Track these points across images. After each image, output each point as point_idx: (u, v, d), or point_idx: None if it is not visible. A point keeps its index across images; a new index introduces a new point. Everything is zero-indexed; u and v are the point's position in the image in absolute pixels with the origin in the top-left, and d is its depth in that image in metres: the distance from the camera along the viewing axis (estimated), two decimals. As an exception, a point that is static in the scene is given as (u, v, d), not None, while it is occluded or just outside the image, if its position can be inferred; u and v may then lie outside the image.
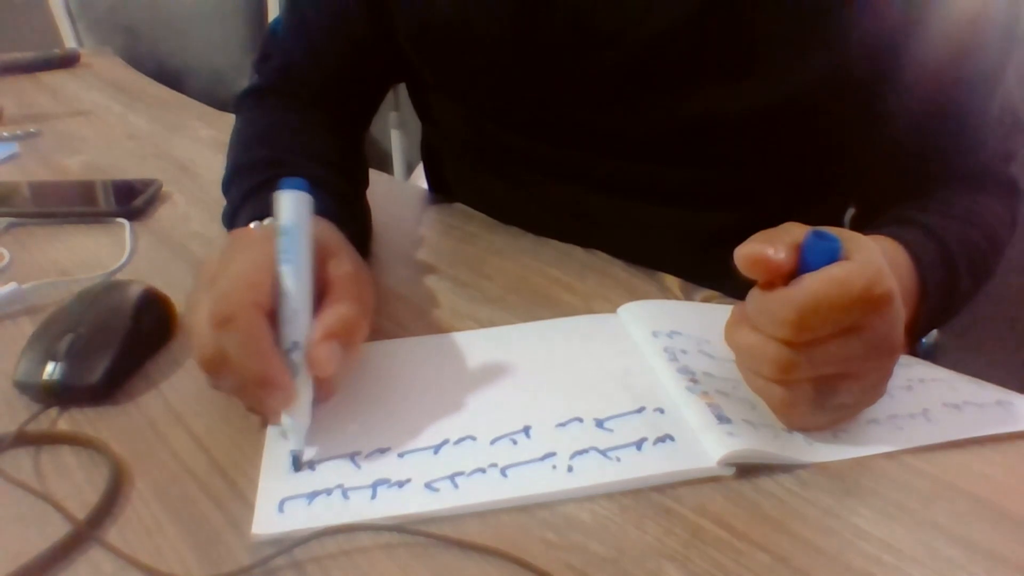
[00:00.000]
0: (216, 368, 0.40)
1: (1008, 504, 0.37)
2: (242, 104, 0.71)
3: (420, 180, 0.85)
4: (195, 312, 0.41)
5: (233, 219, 0.57)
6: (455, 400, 0.44)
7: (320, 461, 0.39)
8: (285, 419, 0.39)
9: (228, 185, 0.61)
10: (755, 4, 0.52)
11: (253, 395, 0.40)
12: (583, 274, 0.59)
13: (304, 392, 0.39)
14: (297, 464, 0.39)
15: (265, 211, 0.47)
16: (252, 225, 0.49)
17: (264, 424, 0.42)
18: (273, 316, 0.40)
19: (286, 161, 0.60)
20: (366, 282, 0.45)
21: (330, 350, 0.39)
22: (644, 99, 0.58)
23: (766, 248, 0.37)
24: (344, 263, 0.44)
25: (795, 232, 0.38)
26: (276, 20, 0.73)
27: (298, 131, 0.66)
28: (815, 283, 0.36)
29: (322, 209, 0.44)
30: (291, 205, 0.41)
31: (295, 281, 0.40)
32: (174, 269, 0.61)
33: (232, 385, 0.41)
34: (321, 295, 0.42)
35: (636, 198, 0.64)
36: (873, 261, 0.37)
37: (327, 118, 0.68)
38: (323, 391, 0.41)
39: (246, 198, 0.57)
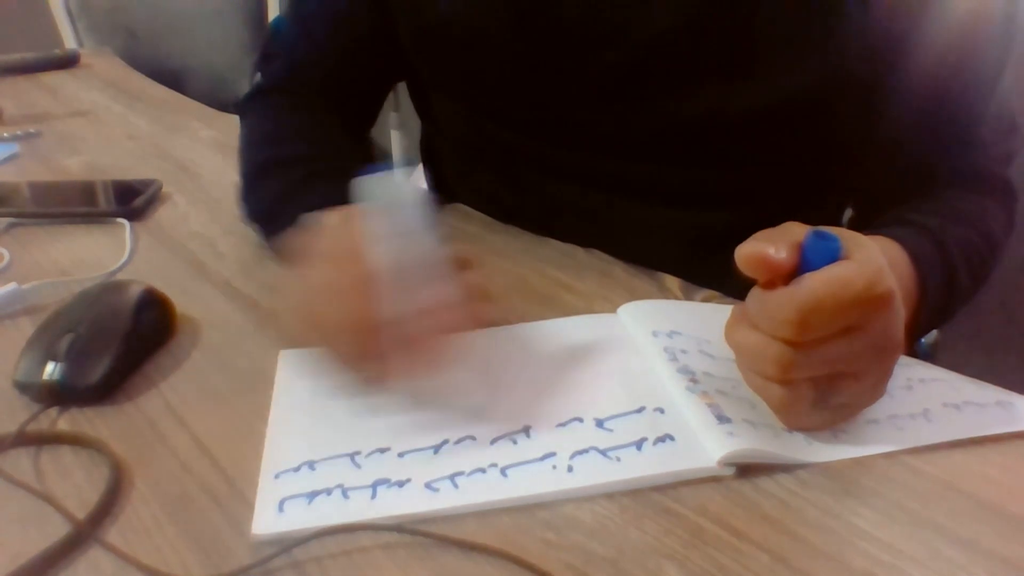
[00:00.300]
0: (372, 339, 0.40)
1: (1008, 504, 0.37)
2: (249, 105, 0.71)
3: (420, 180, 0.85)
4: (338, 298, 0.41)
5: (269, 213, 0.57)
6: (455, 400, 0.44)
7: (320, 461, 0.39)
8: (456, 375, 0.42)
9: (255, 179, 0.61)
10: (755, 5, 0.52)
11: (420, 360, 0.41)
12: (583, 274, 0.59)
13: (458, 352, 0.42)
14: (478, 412, 0.42)
15: (316, 204, 0.48)
16: (311, 216, 0.49)
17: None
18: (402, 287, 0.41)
19: (316, 156, 0.61)
20: (465, 254, 0.46)
21: (472, 310, 0.42)
22: (644, 99, 0.58)
23: (767, 248, 0.37)
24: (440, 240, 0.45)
25: (795, 232, 0.38)
26: (277, 19, 0.73)
27: (318, 129, 0.66)
28: (816, 282, 0.36)
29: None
30: (398, 183, 0.42)
31: (427, 254, 0.41)
32: (174, 269, 0.61)
33: (396, 356, 0.41)
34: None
35: (636, 198, 0.64)
36: (873, 261, 0.37)
37: (335, 116, 0.68)
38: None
39: (288, 193, 0.56)
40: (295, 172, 0.59)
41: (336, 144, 0.65)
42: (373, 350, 0.41)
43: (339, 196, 0.48)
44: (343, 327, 0.41)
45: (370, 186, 0.42)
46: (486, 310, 0.43)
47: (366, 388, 0.44)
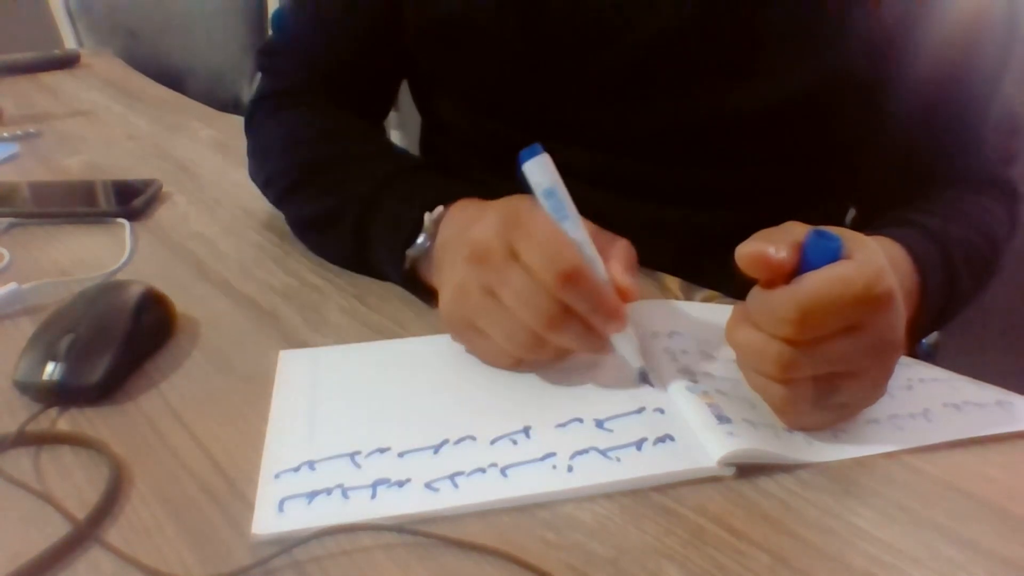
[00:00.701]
0: (560, 325, 0.41)
1: (1008, 504, 0.37)
2: (263, 108, 0.69)
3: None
4: (505, 287, 0.41)
5: (363, 213, 0.55)
6: (455, 400, 0.44)
7: (320, 461, 0.39)
8: (621, 344, 0.44)
9: (306, 182, 0.60)
10: (757, 4, 0.52)
11: (593, 336, 0.43)
12: (583, 274, 0.59)
13: (627, 320, 0.44)
14: (646, 378, 0.44)
15: (436, 200, 0.50)
16: (428, 216, 0.51)
17: (600, 349, 0.44)
18: None
19: (378, 153, 0.61)
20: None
21: (632, 278, 0.44)
22: (646, 98, 0.58)
23: (767, 247, 0.37)
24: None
25: (796, 231, 0.38)
26: (277, 13, 0.72)
27: (359, 125, 0.66)
28: (817, 282, 0.36)
29: (459, 191, 0.47)
30: (547, 168, 0.43)
31: (581, 231, 0.43)
32: (174, 269, 0.61)
33: (570, 336, 0.42)
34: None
35: (638, 197, 0.64)
36: (874, 260, 0.37)
37: (353, 115, 0.67)
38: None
39: (382, 190, 0.55)
40: (376, 168, 0.57)
41: (381, 140, 0.65)
42: (575, 333, 0.42)
43: (450, 189, 0.51)
44: (548, 320, 0.41)
45: (530, 172, 0.43)
46: (635, 277, 0.44)
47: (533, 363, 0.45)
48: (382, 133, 0.70)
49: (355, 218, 0.56)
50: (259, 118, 0.69)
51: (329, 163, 0.61)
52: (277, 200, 0.65)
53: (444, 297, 0.46)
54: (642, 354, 0.45)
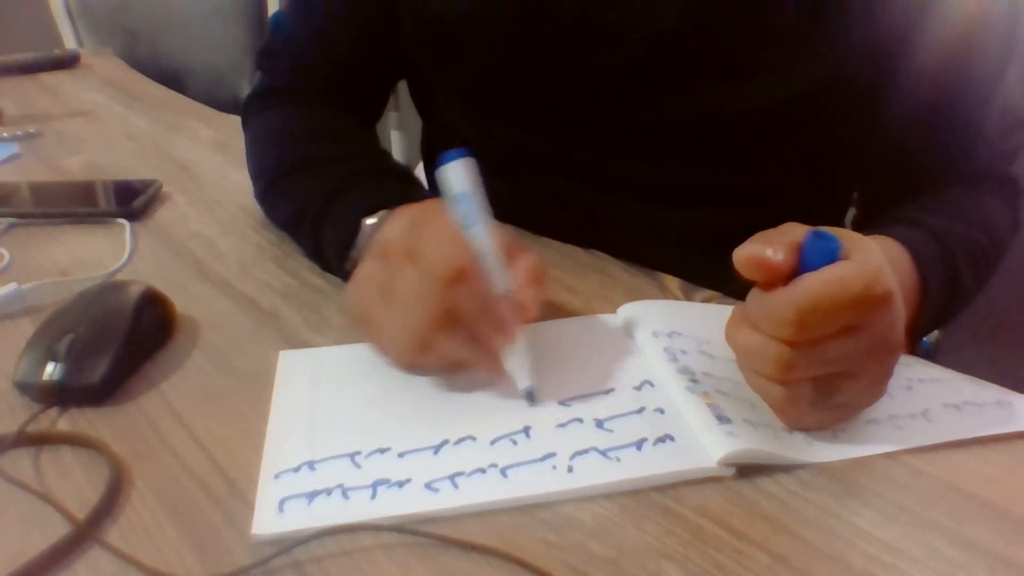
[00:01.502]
0: (444, 328, 0.41)
1: (1008, 504, 0.37)
2: (261, 103, 0.70)
3: (420, 179, 0.85)
4: (399, 286, 0.41)
5: (319, 214, 0.56)
6: (455, 400, 0.44)
7: (320, 461, 0.39)
8: (510, 360, 0.43)
9: (286, 177, 0.61)
10: (757, 4, 0.52)
11: (479, 346, 0.42)
12: (583, 274, 0.59)
13: (521, 335, 0.43)
14: (532, 398, 0.43)
15: (396, 200, 0.50)
16: (369, 220, 0.52)
17: (495, 372, 0.43)
18: None
19: (352, 155, 0.61)
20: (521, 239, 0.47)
21: (535, 293, 0.43)
22: (646, 97, 0.58)
23: (764, 249, 0.37)
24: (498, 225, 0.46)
25: (794, 233, 0.38)
26: (276, 15, 0.73)
27: (342, 127, 0.66)
28: (815, 282, 0.36)
29: (407, 195, 0.46)
30: (464, 172, 0.43)
31: (488, 240, 0.43)
32: (174, 269, 0.61)
33: (455, 344, 0.42)
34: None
35: (638, 197, 0.64)
36: (873, 261, 0.37)
37: (344, 114, 0.68)
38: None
39: (337, 193, 0.56)
40: (341, 170, 0.58)
41: (362, 141, 0.65)
42: (460, 340, 0.42)
43: (399, 193, 0.50)
44: (433, 321, 0.41)
45: (446, 175, 0.43)
46: (540, 294, 0.44)
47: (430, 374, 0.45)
48: (369, 132, 0.70)
49: (311, 220, 0.57)
50: (250, 115, 0.70)
51: (303, 163, 0.61)
52: (259, 197, 0.66)
53: (348, 290, 0.46)
54: (534, 373, 0.43)
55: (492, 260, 0.43)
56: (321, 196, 0.57)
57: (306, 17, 0.69)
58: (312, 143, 0.64)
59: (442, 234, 0.42)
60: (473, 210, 0.43)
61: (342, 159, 0.60)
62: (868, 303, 0.36)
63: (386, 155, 0.63)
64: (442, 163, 0.43)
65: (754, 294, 0.38)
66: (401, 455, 0.40)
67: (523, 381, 0.43)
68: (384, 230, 0.44)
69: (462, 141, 0.74)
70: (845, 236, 0.38)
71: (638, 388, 0.44)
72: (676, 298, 0.56)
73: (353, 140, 0.65)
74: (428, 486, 0.37)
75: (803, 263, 0.37)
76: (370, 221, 0.52)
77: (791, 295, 0.36)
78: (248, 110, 0.71)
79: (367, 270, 0.45)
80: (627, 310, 0.52)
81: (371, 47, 0.68)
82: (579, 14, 0.56)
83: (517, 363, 0.43)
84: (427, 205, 0.46)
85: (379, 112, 0.74)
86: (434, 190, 0.81)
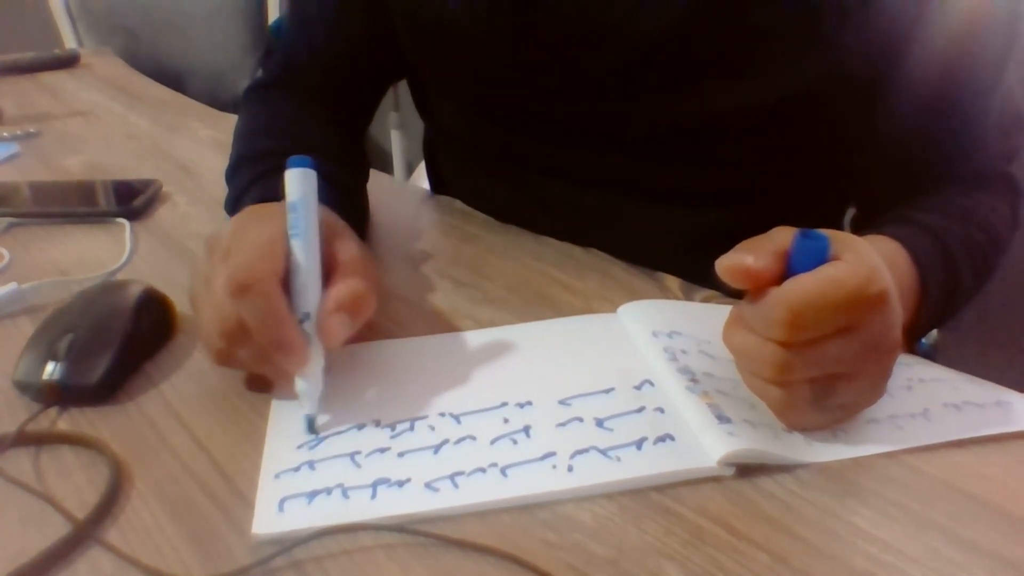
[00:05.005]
0: (233, 337, 0.41)
1: (1008, 504, 0.37)
2: (247, 98, 0.72)
3: (420, 180, 0.85)
4: (210, 283, 0.42)
5: (236, 205, 0.58)
6: (455, 400, 0.44)
7: (320, 461, 0.39)
8: (299, 383, 0.41)
9: (232, 174, 0.62)
10: (751, 3, 0.52)
11: (267, 362, 0.41)
12: (583, 274, 0.59)
13: (316, 359, 0.41)
14: (312, 427, 0.41)
15: (268, 197, 0.49)
16: None
17: (269, 391, 0.43)
18: (287, 287, 0.41)
19: (289, 151, 0.61)
20: (371, 262, 0.46)
21: (340, 321, 0.41)
22: (641, 97, 0.58)
23: (745, 257, 0.37)
24: (350, 244, 0.45)
25: (780, 238, 0.38)
26: (278, 21, 0.75)
27: (300, 124, 0.67)
28: (808, 283, 0.36)
29: (324, 199, 0.45)
30: (299, 181, 0.42)
31: (305, 254, 0.42)
32: (174, 269, 0.61)
33: (247, 354, 0.41)
34: (328, 274, 0.43)
35: (635, 197, 0.64)
36: (867, 260, 0.37)
37: (328, 112, 0.69)
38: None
39: (250, 185, 0.58)
40: (263, 166, 0.59)
41: (313, 139, 0.65)
42: (250, 352, 0.41)
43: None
44: (222, 328, 0.41)
45: (286, 180, 0.42)
46: (351, 323, 0.42)
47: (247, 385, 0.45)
48: (343, 128, 0.71)
49: (231, 209, 0.60)
50: (240, 109, 0.72)
51: (247, 156, 0.62)
52: None
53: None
54: (320, 402, 0.42)
55: (303, 278, 0.42)
56: (240, 188, 0.59)
57: (300, 25, 0.71)
58: (264, 138, 0.65)
59: (256, 241, 0.41)
60: (299, 222, 0.42)
61: (276, 154, 0.61)
62: (863, 303, 0.36)
63: (326, 150, 0.63)
64: (287, 166, 0.43)
65: (748, 295, 0.38)
66: (401, 455, 0.40)
67: (308, 408, 0.41)
68: (220, 228, 0.44)
69: (460, 141, 0.74)
70: (836, 237, 0.38)
71: (638, 387, 0.44)
72: (676, 298, 0.56)
73: (300, 136, 0.66)
74: (428, 486, 0.37)
75: (793, 265, 0.37)
76: None
77: (783, 296, 0.36)
78: (241, 102, 0.73)
79: (196, 264, 0.45)
80: (627, 310, 0.52)
81: (361, 57, 0.70)
82: (573, 15, 0.56)
83: (306, 387, 0.41)
84: (269, 207, 0.46)
85: (370, 113, 0.76)
86: (435, 189, 0.82)
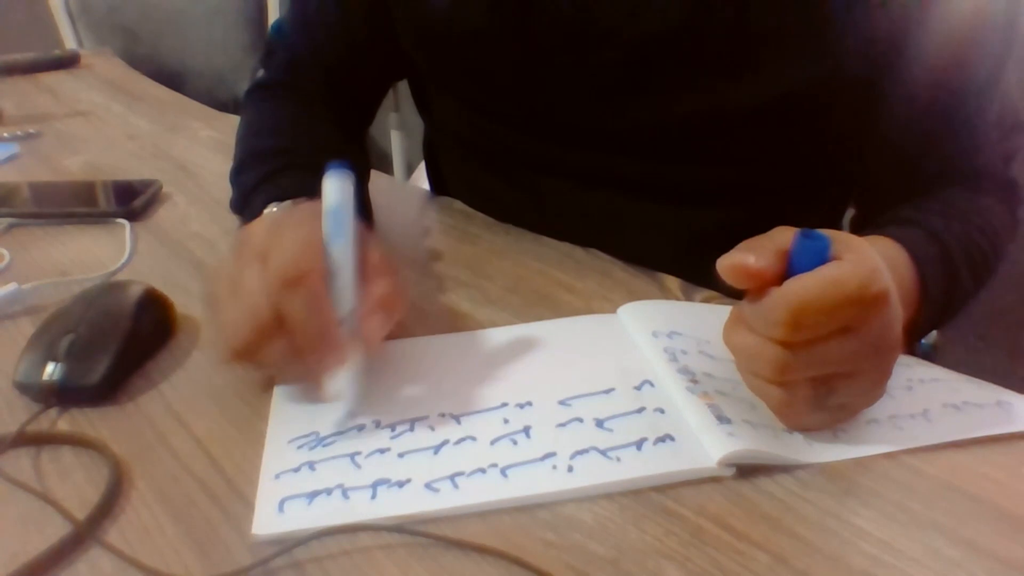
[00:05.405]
0: (264, 332, 0.40)
1: (1008, 504, 0.37)
2: (249, 98, 0.72)
3: (420, 180, 0.85)
4: (240, 279, 0.41)
5: (244, 203, 0.59)
6: (455, 401, 0.44)
7: (320, 461, 0.39)
8: (342, 379, 0.42)
9: (237, 174, 0.63)
10: (750, 3, 0.52)
11: (298, 359, 0.41)
12: (583, 274, 0.59)
13: (358, 357, 0.42)
14: (344, 424, 0.42)
15: (279, 197, 0.50)
16: (266, 210, 0.52)
17: (317, 386, 0.43)
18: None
19: (294, 150, 0.62)
20: (395, 263, 0.47)
21: (380, 321, 0.42)
22: (641, 96, 0.58)
23: (746, 257, 0.37)
24: (375, 246, 0.45)
25: (780, 238, 0.38)
26: (278, 21, 0.75)
27: (304, 123, 0.68)
28: (808, 282, 0.36)
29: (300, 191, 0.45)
30: (339, 187, 0.43)
31: (346, 257, 0.42)
32: (174, 269, 0.61)
33: (276, 350, 0.41)
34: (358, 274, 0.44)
35: (635, 196, 0.64)
36: (867, 261, 0.37)
37: (330, 112, 0.69)
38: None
39: (258, 184, 0.58)
40: (269, 165, 0.59)
41: (318, 138, 0.66)
42: (286, 347, 0.41)
43: (304, 189, 0.49)
44: (257, 323, 0.40)
45: (323, 188, 0.42)
46: (388, 323, 0.43)
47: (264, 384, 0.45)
48: (348, 128, 0.71)
49: (237, 209, 0.61)
50: (242, 108, 0.72)
51: (253, 154, 0.63)
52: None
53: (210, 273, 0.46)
54: (362, 402, 0.42)
55: (343, 279, 0.42)
56: (247, 186, 0.59)
57: (302, 23, 0.71)
58: (269, 137, 0.65)
59: (297, 240, 0.41)
60: (338, 226, 0.42)
61: (282, 153, 0.62)
62: (863, 303, 0.36)
63: (332, 149, 0.63)
64: (326, 171, 0.43)
65: (749, 296, 0.38)
66: (401, 455, 0.40)
67: (345, 405, 0.42)
68: (251, 225, 0.45)
69: (460, 141, 0.74)
70: (837, 237, 0.38)
71: (638, 388, 0.44)
72: (676, 298, 0.56)
73: (305, 135, 0.66)
74: (428, 486, 0.37)
75: (793, 265, 0.37)
76: (270, 211, 0.52)
77: (783, 295, 0.36)
78: (243, 101, 0.73)
79: (225, 262, 0.44)
80: (627, 310, 0.52)
81: (363, 57, 0.70)
82: (572, 14, 0.56)
83: (345, 386, 0.42)
84: (302, 209, 0.46)
85: (372, 112, 0.76)
86: (435, 189, 0.82)
